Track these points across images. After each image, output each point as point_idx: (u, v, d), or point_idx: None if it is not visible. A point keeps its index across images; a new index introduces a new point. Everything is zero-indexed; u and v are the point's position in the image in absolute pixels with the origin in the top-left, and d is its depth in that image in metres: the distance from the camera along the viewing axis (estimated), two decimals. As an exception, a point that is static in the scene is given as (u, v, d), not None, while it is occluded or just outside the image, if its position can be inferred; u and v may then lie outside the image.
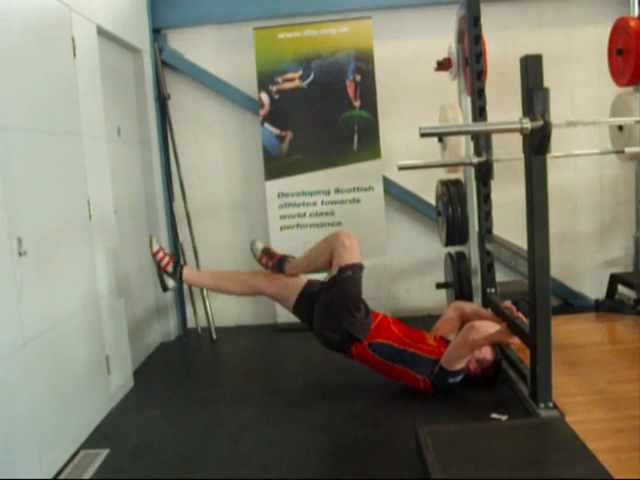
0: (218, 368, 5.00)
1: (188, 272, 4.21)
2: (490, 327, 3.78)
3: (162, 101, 5.63)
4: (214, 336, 5.50)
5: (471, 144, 4.58)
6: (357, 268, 3.85)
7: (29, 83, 3.31)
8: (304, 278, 4.10)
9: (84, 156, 3.91)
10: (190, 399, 4.17)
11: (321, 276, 4.03)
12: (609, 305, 5.02)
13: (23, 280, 3.05)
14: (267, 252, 4.16)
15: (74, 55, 3.87)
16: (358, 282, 3.87)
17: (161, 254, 4.15)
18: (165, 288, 4.17)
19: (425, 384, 3.78)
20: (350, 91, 5.39)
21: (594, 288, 5.54)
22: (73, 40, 3.86)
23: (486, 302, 4.52)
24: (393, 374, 3.88)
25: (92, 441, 3.60)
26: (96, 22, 4.25)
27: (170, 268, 4.13)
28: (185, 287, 5.78)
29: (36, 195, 3.28)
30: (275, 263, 4.10)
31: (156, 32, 5.66)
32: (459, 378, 3.75)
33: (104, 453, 3.40)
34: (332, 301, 3.84)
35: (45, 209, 3.37)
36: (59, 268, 3.50)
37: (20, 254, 3.03)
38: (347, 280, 3.81)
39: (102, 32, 4.42)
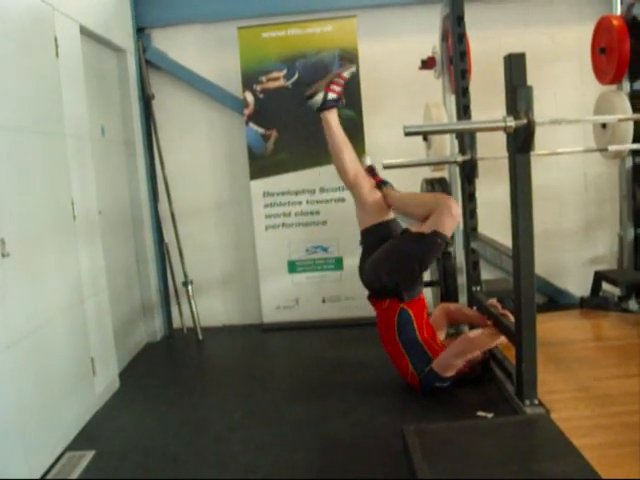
0: (204, 368, 4.98)
1: (334, 115, 4.02)
2: (485, 338, 3.80)
3: (146, 100, 5.61)
4: (200, 336, 5.48)
5: (456, 143, 4.59)
6: (447, 243, 3.77)
7: (11, 82, 3.28)
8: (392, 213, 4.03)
9: (68, 156, 3.89)
10: (176, 399, 4.16)
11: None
12: (594, 302, 5.05)
13: (7, 281, 3.03)
14: (372, 170, 4.11)
15: (57, 55, 3.84)
16: (439, 253, 3.85)
17: (342, 82, 4.02)
18: (310, 96, 4.01)
19: (413, 378, 3.79)
20: (335, 90, 5.38)
21: (579, 285, 5.57)
22: (56, 40, 3.84)
23: (472, 300, 4.53)
24: (392, 350, 3.88)
25: (78, 443, 3.58)
26: (79, 21, 4.23)
27: (331, 96, 3.98)
28: (170, 286, 5.76)
29: (19, 195, 3.26)
30: (376, 182, 4.03)
31: (140, 31, 5.64)
32: (447, 384, 3.77)
33: (90, 454, 3.39)
34: (408, 252, 3.76)
35: (29, 210, 3.35)
36: (43, 269, 3.48)
37: (3, 255, 3.01)
38: (434, 245, 3.69)
39: (85, 31, 4.40)
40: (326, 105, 3.99)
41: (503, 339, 3.72)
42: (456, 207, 3.69)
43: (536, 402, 3.26)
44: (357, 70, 5.31)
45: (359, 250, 4.02)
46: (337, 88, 4.01)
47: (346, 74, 4.04)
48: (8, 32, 3.30)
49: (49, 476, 3.21)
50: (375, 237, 3.92)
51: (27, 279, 3.27)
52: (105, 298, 4.32)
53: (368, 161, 4.21)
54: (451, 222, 3.68)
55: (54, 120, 3.79)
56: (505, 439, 2.83)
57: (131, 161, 5.39)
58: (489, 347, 3.83)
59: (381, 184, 4.02)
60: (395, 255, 3.80)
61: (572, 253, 5.79)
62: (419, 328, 3.83)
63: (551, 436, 2.72)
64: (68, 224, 3.85)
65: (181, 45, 5.74)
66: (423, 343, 3.80)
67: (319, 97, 3.99)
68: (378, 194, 3.98)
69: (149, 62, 5.66)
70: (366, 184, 3.99)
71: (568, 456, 2.50)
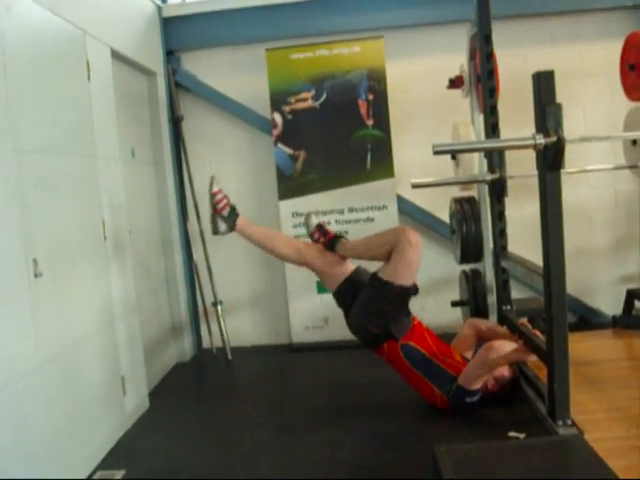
0: (233, 388, 4.97)
1: (243, 221, 4.07)
2: (508, 346, 3.76)
3: (176, 122, 5.67)
4: (229, 356, 5.49)
5: (484, 161, 4.57)
6: (415, 289, 3.81)
7: (44, 106, 3.34)
8: (352, 263, 4.04)
9: (99, 177, 3.94)
10: (205, 420, 4.16)
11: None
12: (626, 321, 4.97)
13: (39, 301, 3.07)
14: (321, 229, 4.12)
15: (89, 78, 3.90)
16: (410, 295, 3.83)
17: (220, 196, 4.04)
18: (216, 231, 4.06)
19: (442, 400, 3.76)
20: (363, 110, 5.41)
21: (611, 304, 5.49)
22: (88, 63, 3.90)
23: (502, 319, 4.49)
24: (414, 382, 3.86)
25: (108, 462, 3.59)
26: (110, 45, 4.29)
27: (226, 212, 4.02)
28: (200, 306, 5.79)
29: (51, 216, 3.30)
30: (327, 241, 4.03)
31: (169, 54, 5.72)
32: (476, 398, 3.72)
33: (120, 474, 3.39)
34: (381, 297, 3.76)
35: (60, 230, 3.39)
36: (74, 289, 3.51)
37: (36, 275, 3.05)
38: (402, 289, 3.73)
39: (116, 55, 4.47)
40: (229, 222, 4.03)
41: (532, 356, 3.68)
42: (414, 236, 3.67)
43: (569, 422, 3.20)
44: (385, 90, 5.34)
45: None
46: (221, 203, 4.03)
47: (214, 187, 4.05)
48: (42, 56, 3.36)
49: (80, 495, 3.23)
50: (347, 295, 3.95)
51: (59, 299, 3.31)
52: (135, 318, 4.35)
53: (314, 220, 4.20)
54: (413, 252, 3.66)
55: (86, 142, 3.84)
56: (538, 460, 2.79)
57: (161, 182, 5.44)
58: (514, 359, 3.78)
59: (333, 241, 4.01)
60: (371, 304, 3.81)
61: (603, 271, 5.73)
62: (429, 351, 3.81)
63: (585, 457, 2.68)
64: (99, 244, 3.89)
65: (210, 67, 5.81)
66: (440, 364, 3.78)
67: (221, 225, 4.04)
68: (328, 255, 4.00)
69: (178, 84, 5.73)
70: (312, 254, 4.03)
71: (603, 478, 2.46)
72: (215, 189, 4.04)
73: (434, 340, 3.91)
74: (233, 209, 4.06)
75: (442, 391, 3.74)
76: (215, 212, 4.03)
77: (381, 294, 3.75)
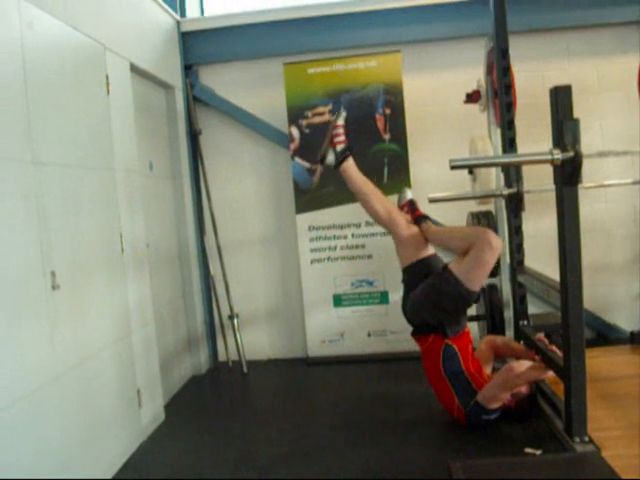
0: (249, 402, 4.97)
1: (351, 165, 4.07)
2: (526, 367, 3.74)
3: (194, 136, 5.71)
4: (245, 369, 5.49)
5: (501, 176, 4.56)
6: (477, 295, 3.78)
7: (64, 119, 3.38)
8: (432, 248, 4.02)
9: (117, 190, 3.97)
10: (221, 432, 4.16)
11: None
12: (645, 337, 4.94)
13: (56, 313, 3.09)
14: (412, 204, 4.15)
15: (108, 92, 3.94)
16: (474, 300, 3.82)
17: (341, 130, 4.08)
18: (322, 159, 4.13)
19: (459, 412, 3.75)
20: (380, 124, 5.42)
21: (629, 320, 5.45)
22: (107, 77, 3.95)
23: (519, 335, 4.47)
24: (438, 385, 3.85)
25: (123, 473, 3.60)
26: (129, 59, 4.34)
27: (340, 148, 4.06)
28: (216, 319, 5.81)
29: (70, 229, 3.33)
30: (415, 216, 4.05)
31: (187, 68, 5.76)
32: (494, 416, 3.71)
33: (135, 487, 3.41)
34: (446, 292, 3.70)
35: (78, 243, 3.42)
36: (92, 301, 3.53)
37: (54, 287, 3.07)
38: (467, 292, 3.70)
39: (135, 69, 4.51)
40: (340, 158, 4.05)
41: (550, 373, 3.66)
42: (496, 240, 3.64)
43: (586, 439, 3.17)
44: (402, 104, 5.35)
45: (400, 288, 4.01)
46: (340, 138, 4.08)
47: (340, 120, 4.11)
48: (62, 70, 3.40)
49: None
50: (416, 275, 3.90)
51: (76, 311, 3.33)
52: (152, 330, 4.37)
53: (409, 195, 4.22)
54: (491, 255, 3.63)
55: (104, 156, 3.88)
56: (554, 477, 2.77)
57: (178, 195, 5.47)
58: (532, 379, 3.76)
59: (420, 219, 4.01)
60: (435, 294, 3.75)
61: (621, 287, 5.68)
62: (465, 362, 3.78)
63: (603, 474, 2.66)
64: (117, 257, 3.92)
65: (228, 81, 5.85)
66: (469, 377, 3.76)
67: (331, 156, 4.08)
68: (415, 229, 3.97)
69: (196, 98, 5.77)
70: (401, 221, 3.99)
71: (620, 495, 2.44)
72: (340, 122, 4.10)
73: (472, 354, 3.89)
74: (348, 149, 4.09)
75: (461, 403, 3.73)
76: (331, 143, 4.09)
77: (447, 288, 3.69)
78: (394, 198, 5.24)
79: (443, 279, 3.73)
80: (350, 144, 4.12)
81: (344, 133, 4.10)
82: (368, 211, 4.12)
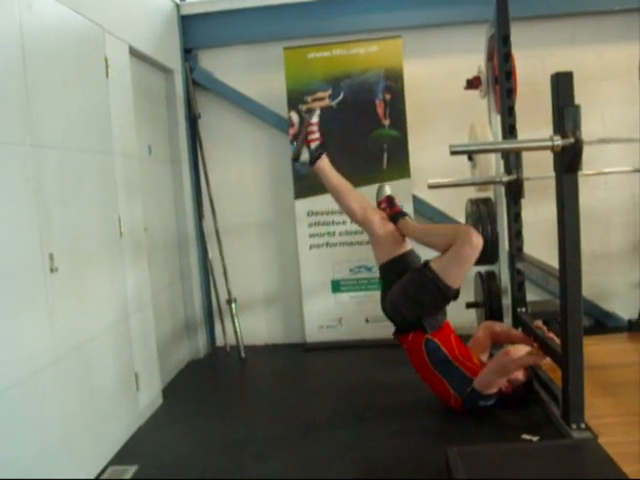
0: (247, 386, 4.99)
1: (325, 163, 4.06)
2: (523, 352, 3.74)
3: (193, 120, 5.69)
4: (243, 354, 5.50)
5: (501, 162, 4.55)
6: (455, 292, 3.78)
7: (63, 102, 3.36)
8: (409, 244, 4.03)
9: (115, 174, 3.96)
10: (219, 417, 4.17)
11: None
12: (643, 325, 4.94)
13: (54, 296, 3.08)
14: (390, 200, 4.13)
15: (107, 75, 3.92)
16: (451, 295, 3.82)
17: (316, 128, 4.07)
18: (296, 158, 4.15)
19: (456, 401, 3.76)
20: (379, 110, 5.40)
21: (627, 308, 5.44)
22: (106, 60, 3.92)
23: (517, 322, 4.47)
24: (429, 379, 3.86)
25: (121, 457, 3.61)
26: (129, 42, 4.31)
27: (314, 146, 4.05)
28: (214, 304, 5.81)
29: (68, 212, 3.32)
30: (392, 212, 4.05)
31: (187, 52, 5.74)
32: (490, 402, 3.72)
33: (132, 469, 3.41)
34: (425, 287, 3.72)
35: (77, 226, 3.41)
36: (90, 285, 3.53)
37: (52, 270, 3.06)
38: (446, 289, 3.72)
39: (134, 52, 4.49)
40: (314, 156, 4.04)
41: (547, 359, 3.67)
42: (477, 237, 3.64)
43: (583, 426, 3.18)
44: (402, 90, 5.33)
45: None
46: (314, 135, 4.05)
47: (314, 119, 4.08)
48: (61, 53, 3.38)
49: (92, 490, 3.24)
50: (393, 272, 3.92)
51: (74, 294, 3.32)
52: (150, 314, 4.37)
53: (387, 191, 4.20)
54: (471, 253, 3.64)
55: (103, 139, 3.86)
56: (551, 463, 2.77)
57: (177, 179, 5.46)
58: (529, 363, 3.77)
59: (397, 215, 4.01)
60: (414, 290, 3.77)
61: (619, 275, 5.68)
62: (450, 352, 3.80)
63: (600, 461, 2.66)
64: (115, 240, 3.91)
65: (227, 65, 5.82)
66: (459, 365, 3.77)
67: (304, 154, 4.08)
68: (391, 227, 3.97)
69: (196, 82, 5.75)
70: (375, 218, 3.99)
71: (616, 482, 2.45)
72: (314, 120, 4.08)
73: (457, 342, 3.90)
74: (322, 147, 4.08)
75: (457, 392, 3.74)
76: (305, 141, 4.07)
77: (426, 285, 3.71)
78: (393, 184, 5.27)
79: (423, 275, 3.75)
80: (324, 142, 4.10)
81: (319, 131, 4.08)
82: (343, 209, 4.13)
